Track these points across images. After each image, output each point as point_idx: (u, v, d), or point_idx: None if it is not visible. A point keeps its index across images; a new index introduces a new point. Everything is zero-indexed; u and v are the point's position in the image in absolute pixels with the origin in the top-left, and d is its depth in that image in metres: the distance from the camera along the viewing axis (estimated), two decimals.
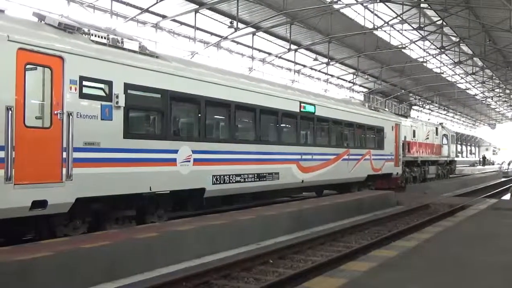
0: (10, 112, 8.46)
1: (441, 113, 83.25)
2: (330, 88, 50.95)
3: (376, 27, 36.67)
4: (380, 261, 7.79)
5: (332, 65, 45.79)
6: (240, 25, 31.18)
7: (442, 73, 55.83)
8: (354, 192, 21.40)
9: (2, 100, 8.41)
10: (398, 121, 27.14)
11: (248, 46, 37.20)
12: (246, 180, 14.50)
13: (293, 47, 38.26)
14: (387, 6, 34.78)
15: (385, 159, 24.41)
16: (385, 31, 39.14)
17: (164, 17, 29.89)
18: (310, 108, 18.13)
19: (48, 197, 9.06)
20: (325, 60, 43.20)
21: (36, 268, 7.42)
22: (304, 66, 45.09)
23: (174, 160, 12.06)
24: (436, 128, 39.08)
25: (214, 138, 13.95)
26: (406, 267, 7.49)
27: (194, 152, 12.58)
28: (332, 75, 49.88)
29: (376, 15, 36.01)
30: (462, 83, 61.87)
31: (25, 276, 7.24)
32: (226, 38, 33.79)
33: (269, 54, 39.76)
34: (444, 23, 37.18)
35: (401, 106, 67.49)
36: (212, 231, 10.97)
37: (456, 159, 45.46)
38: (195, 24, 30.69)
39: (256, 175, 14.92)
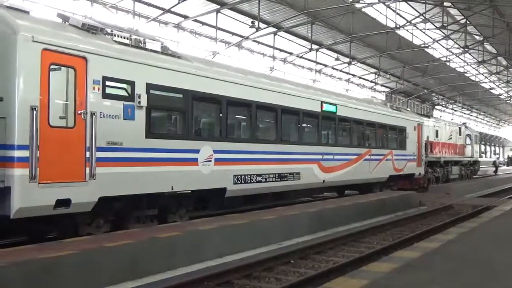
0: (34, 112, 8.57)
1: (464, 113, 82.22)
2: (352, 88, 50.66)
3: (398, 26, 36.34)
4: (403, 262, 7.72)
5: (354, 64, 45.51)
6: (262, 25, 31.16)
7: (466, 73, 55.10)
8: (375, 192, 21.25)
9: (27, 100, 8.53)
10: (420, 121, 26.88)
11: (269, 46, 37.14)
12: (267, 180, 14.49)
13: (315, 46, 38.11)
14: (409, 5, 34.44)
15: (407, 159, 24.19)
16: (407, 30, 38.75)
17: (185, 17, 30.01)
18: (331, 108, 18.05)
19: (72, 196, 9.15)
20: (347, 59, 42.94)
21: (60, 265, 7.52)
22: (326, 65, 44.88)
23: (196, 160, 12.10)
24: (459, 128, 38.64)
25: (235, 138, 13.96)
26: (430, 268, 7.41)
27: (215, 151, 12.61)
28: (353, 75, 49.59)
29: (398, 14, 35.66)
30: (486, 82, 61.02)
31: (50, 273, 7.33)
32: (247, 38, 33.80)
33: (290, 53, 39.66)
34: (468, 22, 36.68)
35: (424, 106, 66.82)
36: (233, 231, 10.99)
37: (479, 159, 44.87)
38: (216, 24, 30.75)
39: (277, 175, 14.90)
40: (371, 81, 53.66)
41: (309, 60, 42.33)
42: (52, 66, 9.00)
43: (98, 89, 9.73)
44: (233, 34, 33.74)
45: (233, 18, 31.47)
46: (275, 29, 34.52)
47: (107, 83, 9.93)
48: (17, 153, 8.40)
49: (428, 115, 42.27)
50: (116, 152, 10.07)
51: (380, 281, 6.56)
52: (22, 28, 8.63)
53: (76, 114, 9.35)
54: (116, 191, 10.08)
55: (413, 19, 36.44)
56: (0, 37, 8.63)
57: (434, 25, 37.08)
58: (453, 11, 36.11)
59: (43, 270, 7.30)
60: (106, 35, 10.46)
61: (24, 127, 8.47)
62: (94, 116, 9.54)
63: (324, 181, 17.42)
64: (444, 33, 39.70)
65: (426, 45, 42.66)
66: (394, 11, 35.33)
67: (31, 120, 8.53)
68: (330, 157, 17.74)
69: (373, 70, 49.46)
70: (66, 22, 10.18)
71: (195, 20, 30.84)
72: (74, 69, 9.36)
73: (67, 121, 9.37)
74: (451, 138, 36.04)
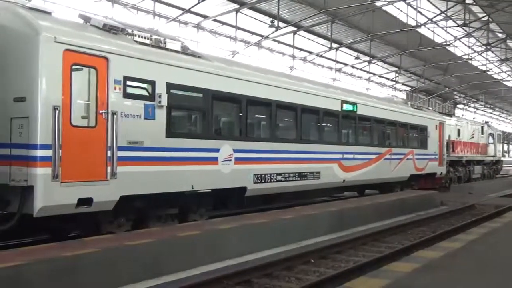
0: (57, 111, 8.67)
1: (486, 112, 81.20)
2: (372, 86, 50.34)
3: (419, 24, 35.99)
4: (424, 262, 7.66)
5: (374, 63, 45.22)
6: (281, 24, 31.12)
7: (488, 71, 54.38)
8: (396, 192, 21.10)
9: (49, 100, 8.63)
10: (442, 120, 26.63)
11: (289, 45, 37.07)
12: (287, 179, 14.47)
13: (334, 45, 37.95)
14: (430, 2, 34.12)
15: (429, 158, 23.98)
16: (428, 28, 38.38)
17: (205, 17, 30.10)
18: (351, 107, 17.96)
19: (94, 195, 9.24)
20: (367, 58, 42.70)
21: (82, 263, 7.60)
22: (345, 64, 44.68)
23: (216, 159, 12.13)
24: (482, 127, 38.21)
25: (255, 137, 13.96)
26: (451, 268, 7.34)
27: (235, 151, 12.63)
28: (374, 74, 49.27)
29: (419, 12, 35.33)
30: (509, 80, 60.15)
31: (73, 271, 7.42)
32: (266, 37, 33.78)
33: (310, 53, 39.54)
34: (490, 19, 36.20)
35: (445, 105, 66.16)
36: (254, 230, 11.00)
37: (502, 158, 44.29)
38: (236, 24, 30.80)
39: (297, 174, 14.87)
40: (391, 80, 53.28)
41: (329, 59, 42.16)
42: (74, 66, 9.09)
43: (119, 89, 9.81)
44: (252, 33, 33.75)
45: (253, 18, 31.49)
46: (294, 28, 34.46)
47: (128, 83, 10.00)
48: (39, 153, 8.50)
49: (450, 114, 41.86)
50: (137, 151, 10.14)
51: (401, 281, 6.51)
52: (44, 29, 8.74)
53: (98, 114, 9.43)
54: (137, 190, 10.16)
55: (434, 17, 36.06)
56: (23, 38, 8.74)
57: (456, 23, 36.68)
58: (475, 9, 35.67)
59: (66, 268, 7.39)
60: (127, 35, 10.54)
61: (47, 127, 8.57)
62: (115, 116, 9.62)
63: (344, 180, 17.35)
64: (466, 30, 39.25)
65: (448, 43, 42.21)
66: (415, 9, 35.00)
67: (54, 120, 8.63)
68: (350, 156, 17.65)
69: (393, 68, 49.10)
70: (88, 23, 10.28)
71: (215, 20, 30.91)
72: (96, 69, 9.45)
73: (89, 120, 9.47)
74: (473, 137, 35.65)
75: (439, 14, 35.50)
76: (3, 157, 8.38)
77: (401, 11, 34.71)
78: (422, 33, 38.57)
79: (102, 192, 9.41)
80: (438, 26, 38.04)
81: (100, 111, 9.45)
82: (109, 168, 9.52)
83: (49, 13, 9.53)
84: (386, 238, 13.12)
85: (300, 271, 9.51)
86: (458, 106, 71.34)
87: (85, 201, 9.13)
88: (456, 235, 11.28)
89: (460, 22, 36.02)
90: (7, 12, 8.86)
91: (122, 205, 9.92)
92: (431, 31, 39.57)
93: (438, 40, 41.65)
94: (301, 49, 38.85)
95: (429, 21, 36.43)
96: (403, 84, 56.05)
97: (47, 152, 8.56)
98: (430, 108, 33.69)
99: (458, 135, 32.80)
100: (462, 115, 56.98)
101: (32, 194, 8.47)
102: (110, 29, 10.18)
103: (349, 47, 40.48)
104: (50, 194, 8.59)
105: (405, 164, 21.70)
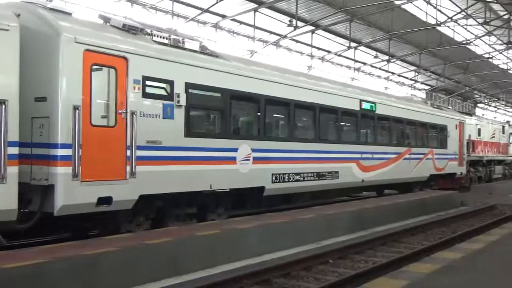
0: (77, 111, 8.75)
1: (508, 111, 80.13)
2: (391, 86, 49.97)
3: (439, 22, 35.63)
4: (444, 263, 7.58)
5: (393, 62, 44.90)
6: (299, 23, 31.03)
7: (509, 69, 53.65)
8: (416, 192, 20.94)
9: (69, 100, 8.71)
10: (462, 119, 26.38)
11: (307, 44, 36.96)
12: (306, 178, 14.43)
13: (353, 44, 37.75)
14: (450, 1, 33.76)
15: (449, 158, 23.77)
16: (448, 26, 37.98)
17: (223, 16, 30.14)
18: (370, 106, 17.86)
19: (113, 194, 9.31)
20: (386, 57, 42.41)
21: (102, 262, 7.67)
22: (364, 63, 44.42)
23: (234, 158, 12.14)
24: (503, 126, 37.78)
25: (273, 137, 13.94)
26: (472, 270, 7.26)
27: (253, 150, 12.63)
28: (392, 73, 48.90)
29: (439, 10, 34.98)
30: None
31: (93, 269, 7.48)
32: (285, 36, 33.72)
33: (329, 52, 39.38)
34: (511, 17, 35.75)
35: (465, 104, 65.46)
36: (272, 230, 10.99)
37: None
38: (254, 23, 30.80)
39: (315, 174, 14.83)
40: (411, 79, 52.84)
41: (347, 58, 41.96)
42: (94, 66, 9.17)
43: (138, 88, 9.87)
44: (270, 33, 33.70)
45: (271, 17, 31.44)
46: (313, 27, 34.34)
47: (147, 82, 10.06)
48: (60, 152, 8.59)
49: (470, 113, 41.41)
50: (155, 150, 10.19)
51: (421, 282, 6.45)
52: (65, 29, 8.82)
53: (117, 114, 9.50)
54: (155, 189, 10.21)
55: (454, 15, 35.69)
56: (44, 39, 8.84)
57: (476, 21, 36.24)
58: (496, 7, 35.22)
59: (86, 266, 7.46)
60: (146, 35, 10.60)
61: (67, 126, 8.66)
62: (134, 115, 9.68)
63: (363, 180, 17.26)
64: (486, 29, 38.77)
65: (468, 41, 41.75)
66: (434, 7, 34.65)
67: (74, 119, 8.71)
68: (369, 156, 17.56)
69: (413, 67, 48.69)
70: (107, 23, 10.35)
71: (233, 20, 30.94)
72: (115, 69, 9.52)
73: (108, 120, 9.55)
74: (494, 137, 35.25)
75: (459, 12, 35.11)
76: (24, 156, 8.46)
77: (421, 9, 34.40)
78: (442, 31, 38.19)
79: (122, 191, 9.47)
80: (458, 24, 37.63)
81: (120, 111, 9.52)
82: (128, 168, 9.59)
83: (70, 14, 9.62)
84: (406, 238, 13.02)
85: (319, 271, 9.48)
86: (478, 105, 70.52)
87: (104, 200, 9.20)
88: (477, 236, 11.16)
89: (480, 21, 35.59)
90: (28, 13, 8.95)
91: (141, 204, 9.98)
92: (451, 29, 39.16)
93: (458, 38, 41.21)
94: (319, 48, 38.71)
95: (449, 20, 36.05)
96: (422, 83, 55.56)
97: (68, 152, 8.65)
98: (450, 107, 33.38)
99: (479, 134, 32.46)
100: (483, 115, 56.35)
101: (52, 193, 8.56)
102: (129, 29, 10.24)
103: (368, 46, 40.25)
104: (70, 193, 8.68)
105: (425, 164, 21.54)
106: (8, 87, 7.92)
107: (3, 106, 7.79)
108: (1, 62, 7.84)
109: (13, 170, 7.96)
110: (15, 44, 8.04)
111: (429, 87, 56.27)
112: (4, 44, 7.87)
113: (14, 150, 8.01)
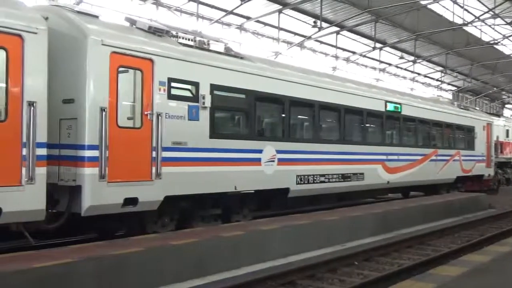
0: (104, 113, 8.86)
1: None
2: (417, 86, 49.49)
3: (466, 22, 35.17)
4: (472, 266, 7.47)
5: (419, 63, 44.45)
6: (324, 25, 30.96)
7: None
8: (442, 194, 20.69)
9: (96, 102, 8.82)
10: (489, 120, 25.99)
11: (332, 45, 36.83)
12: (331, 180, 14.36)
13: (378, 45, 37.49)
14: (478, 0, 33.30)
15: (476, 159, 23.45)
16: (475, 26, 37.46)
17: (248, 18, 30.21)
18: (396, 107, 17.72)
19: (139, 195, 9.39)
20: (411, 58, 42.01)
21: (129, 262, 7.74)
22: (389, 64, 44.08)
23: (259, 160, 12.15)
24: None
25: (298, 138, 13.92)
26: (501, 273, 7.13)
27: (278, 152, 12.62)
28: (418, 73, 48.42)
29: (466, 10, 34.54)
30: None
31: (119, 269, 7.56)
32: (309, 37, 33.65)
33: (353, 53, 39.19)
34: None
35: (493, 105, 64.47)
36: (297, 231, 10.96)
37: None
38: (278, 25, 30.80)
39: (340, 175, 14.75)
40: (437, 80, 52.27)
41: (372, 59, 41.69)
42: (120, 68, 9.27)
43: (164, 90, 9.94)
44: (295, 34, 33.67)
45: (295, 18, 31.42)
46: (337, 28, 34.21)
47: (173, 84, 10.13)
48: (87, 153, 8.70)
49: (498, 114, 40.79)
50: (181, 152, 10.25)
51: (448, 285, 6.36)
52: (92, 32, 8.93)
53: (143, 115, 9.59)
54: (181, 190, 10.26)
55: (481, 15, 35.18)
56: (71, 41, 8.96)
57: (504, 21, 35.70)
58: None
59: (113, 265, 7.53)
60: (171, 37, 10.67)
61: (94, 128, 8.77)
62: (160, 117, 9.75)
63: (388, 182, 17.12)
64: None
65: (496, 41, 41.12)
66: (461, 7, 34.21)
67: (101, 121, 8.82)
68: (395, 157, 17.42)
69: (439, 68, 48.16)
70: (133, 26, 10.45)
71: (257, 21, 30.99)
72: (141, 71, 9.61)
73: (135, 121, 9.64)
74: None
75: (487, 12, 34.60)
76: (52, 157, 8.58)
77: (447, 9, 33.97)
78: (469, 31, 37.68)
79: (147, 192, 9.55)
80: (486, 24, 37.09)
81: (145, 112, 9.60)
82: (153, 169, 9.66)
83: (97, 17, 9.74)
84: (432, 241, 12.88)
85: (344, 273, 9.42)
86: (506, 106, 69.40)
87: (131, 201, 9.29)
88: (505, 238, 10.97)
89: (508, 20, 35.06)
90: (56, 16, 9.09)
91: (166, 205, 10.04)
92: (479, 29, 38.61)
93: (486, 38, 40.60)
94: (344, 49, 38.55)
95: (476, 19, 35.56)
96: (449, 84, 54.90)
97: (95, 153, 8.76)
98: (477, 108, 32.89)
99: (507, 136, 31.96)
100: (511, 115, 55.41)
101: (80, 194, 8.68)
102: (155, 32, 10.33)
103: (393, 46, 39.92)
104: (97, 193, 8.78)
105: (451, 165, 21.29)
106: (37, 89, 8.03)
107: (32, 108, 7.91)
108: (29, 64, 7.96)
109: (41, 171, 8.08)
110: (43, 47, 8.16)
111: (456, 88, 55.56)
112: (32, 46, 8.00)
113: (43, 151, 8.13)
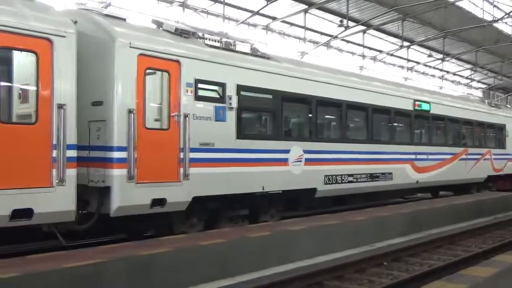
0: (132, 115, 8.95)
1: None
2: (446, 85, 48.84)
3: (496, 19, 34.61)
4: (504, 266, 7.34)
5: (448, 61, 43.87)
6: (350, 24, 30.80)
7: None
8: (472, 193, 20.37)
9: (124, 104, 8.92)
10: None
11: (359, 45, 36.62)
12: (358, 180, 14.26)
13: (406, 43, 37.15)
14: None
15: (508, 158, 23.04)
16: (506, 23, 36.82)
17: (274, 18, 30.22)
18: (424, 106, 17.51)
19: (167, 196, 9.46)
20: (440, 56, 41.48)
21: (157, 262, 7.79)
22: (418, 63, 43.61)
23: (286, 160, 12.13)
24: None
25: (325, 138, 13.85)
26: None
27: (305, 152, 12.57)
28: (447, 72, 47.80)
29: (495, 6, 33.98)
30: None
31: (148, 269, 7.63)
32: (336, 37, 33.50)
33: (380, 51, 38.88)
34: None
35: None
36: (324, 232, 10.90)
37: None
38: (304, 24, 30.76)
39: (368, 175, 14.63)
40: (466, 78, 51.50)
41: (400, 57, 41.31)
42: (148, 70, 9.36)
43: (191, 91, 10.00)
44: (321, 33, 33.57)
45: (322, 18, 31.34)
46: (364, 27, 34.00)
47: (199, 85, 10.18)
48: (116, 154, 8.81)
49: None
50: (208, 153, 10.29)
51: (480, 286, 6.26)
52: (120, 35, 9.04)
53: (170, 117, 9.66)
54: (208, 191, 10.30)
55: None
56: (100, 44, 9.08)
57: None
58: None
59: (142, 265, 7.60)
60: (198, 39, 10.73)
61: (122, 130, 8.87)
62: (187, 118, 9.81)
63: (417, 181, 16.92)
64: None
65: None
66: (491, 3, 33.75)
67: (129, 123, 8.91)
68: (424, 156, 17.21)
69: (468, 66, 47.47)
70: (160, 28, 10.55)
71: (283, 21, 30.99)
72: (168, 73, 9.68)
73: (162, 123, 9.72)
74: None
75: None
76: (82, 159, 8.71)
77: (476, 6, 33.50)
78: (499, 28, 37.04)
79: (175, 193, 9.61)
80: None
81: (173, 114, 9.67)
82: (181, 170, 9.72)
83: (124, 20, 9.86)
84: (463, 241, 12.68)
85: (373, 274, 9.34)
86: None
87: (159, 202, 9.36)
88: None
89: None
90: (84, 19, 9.23)
91: (194, 206, 10.09)
92: (509, 26, 37.92)
93: None
94: (371, 48, 38.28)
95: (507, 16, 34.93)
96: (479, 81, 54.06)
97: (123, 154, 8.85)
98: (508, 106, 32.29)
99: None
100: None
101: (109, 195, 8.79)
102: (181, 33, 10.40)
103: (421, 44, 39.50)
104: (126, 194, 8.88)
105: (482, 164, 20.95)
106: (66, 92, 8.15)
107: (62, 110, 8.03)
108: (58, 67, 8.08)
109: (71, 173, 8.19)
110: (72, 50, 8.27)
111: (486, 86, 54.67)
112: (61, 50, 8.12)
113: (73, 153, 8.24)
